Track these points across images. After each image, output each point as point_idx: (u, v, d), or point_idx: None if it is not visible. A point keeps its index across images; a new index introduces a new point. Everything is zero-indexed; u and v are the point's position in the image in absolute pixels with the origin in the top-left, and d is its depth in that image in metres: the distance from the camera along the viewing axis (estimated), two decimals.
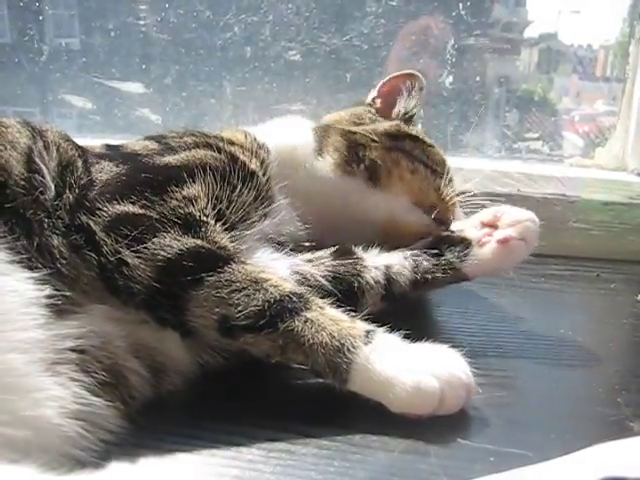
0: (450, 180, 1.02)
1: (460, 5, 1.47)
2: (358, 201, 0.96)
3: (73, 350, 0.66)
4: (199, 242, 0.72)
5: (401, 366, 0.67)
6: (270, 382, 0.77)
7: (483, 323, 0.99)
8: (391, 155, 0.98)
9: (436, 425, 0.69)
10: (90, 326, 0.69)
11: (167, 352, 0.74)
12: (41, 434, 0.59)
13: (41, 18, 1.63)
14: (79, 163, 0.79)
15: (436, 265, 0.91)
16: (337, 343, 0.67)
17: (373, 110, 1.09)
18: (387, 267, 0.91)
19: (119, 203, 0.74)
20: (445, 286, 0.94)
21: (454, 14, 1.49)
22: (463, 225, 0.96)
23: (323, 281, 0.87)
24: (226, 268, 0.70)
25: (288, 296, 0.70)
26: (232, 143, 0.91)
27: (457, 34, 1.50)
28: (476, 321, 1.00)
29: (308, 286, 0.84)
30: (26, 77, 1.60)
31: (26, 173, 0.73)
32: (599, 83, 1.71)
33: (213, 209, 0.78)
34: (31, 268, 0.67)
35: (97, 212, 0.73)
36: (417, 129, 1.08)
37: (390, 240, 0.95)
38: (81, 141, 0.88)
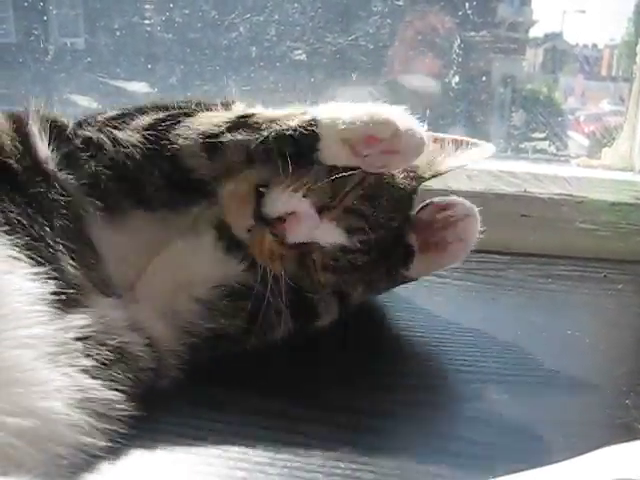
0: None
1: (466, 4, 1.46)
2: None
3: (78, 339, 0.67)
4: (173, 110, 0.82)
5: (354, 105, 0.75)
6: (277, 384, 0.77)
7: (489, 324, 0.99)
8: None
9: (443, 427, 0.69)
10: (96, 316, 0.70)
11: (157, 331, 0.76)
12: (49, 424, 0.60)
13: (46, 18, 1.63)
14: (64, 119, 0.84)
15: (385, 277, 0.90)
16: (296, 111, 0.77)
17: None
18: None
19: (104, 114, 0.84)
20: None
21: (460, 13, 1.48)
22: (406, 228, 0.89)
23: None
24: (196, 113, 0.80)
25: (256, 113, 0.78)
26: None
27: (463, 33, 1.49)
28: (482, 322, 0.99)
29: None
30: (31, 77, 1.60)
31: (17, 142, 0.76)
32: (604, 83, 1.71)
33: None
34: (35, 263, 0.67)
35: (89, 124, 0.82)
36: None
37: None
38: None
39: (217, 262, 0.83)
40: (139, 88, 1.59)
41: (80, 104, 1.64)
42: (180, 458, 0.64)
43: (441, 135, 0.92)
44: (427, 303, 1.02)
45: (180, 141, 0.76)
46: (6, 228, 0.68)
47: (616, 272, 1.20)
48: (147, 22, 1.55)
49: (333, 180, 0.77)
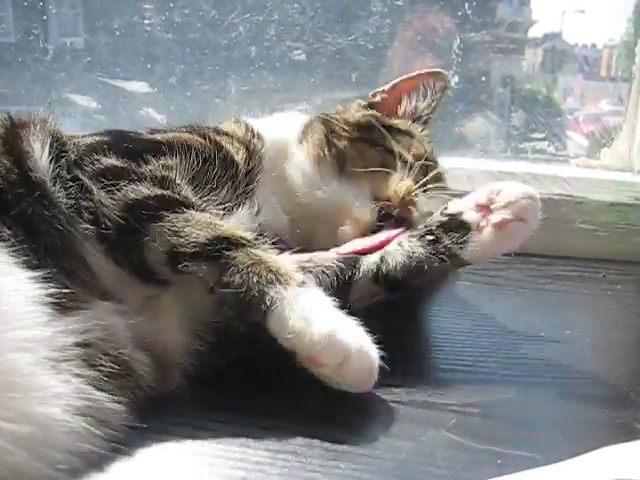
0: (422, 173, 0.99)
1: (466, 5, 1.46)
2: (322, 186, 0.97)
3: (78, 345, 0.66)
4: (167, 192, 0.77)
5: (325, 314, 0.68)
6: (277, 384, 0.77)
7: (488, 324, 0.99)
8: (357, 145, 0.99)
9: (442, 427, 0.69)
10: (94, 320, 0.69)
11: (166, 341, 0.75)
12: (47, 430, 0.59)
13: (45, 17, 1.63)
14: (64, 140, 0.82)
15: (433, 254, 0.86)
16: (272, 276, 0.69)
17: (364, 102, 1.08)
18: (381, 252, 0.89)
19: (104, 157, 0.80)
20: (444, 274, 0.91)
21: (460, 14, 1.48)
22: (460, 206, 0.89)
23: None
24: (186, 210, 0.75)
25: (239, 236, 0.73)
26: (224, 133, 0.95)
27: (463, 34, 1.49)
28: (481, 322, 1.00)
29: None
30: (31, 76, 1.60)
31: (12, 157, 0.75)
32: (603, 83, 1.71)
33: (188, 180, 0.83)
34: (32, 267, 0.67)
35: (83, 167, 0.78)
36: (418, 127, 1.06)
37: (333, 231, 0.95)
38: None
39: None
40: (139, 88, 1.59)
41: (79, 104, 1.64)
42: (180, 458, 0.64)
43: None
44: (426, 303, 1.02)
45: (151, 244, 0.73)
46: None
47: (615, 272, 1.20)
48: (147, 22, 1.56)
49: None
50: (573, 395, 0.80)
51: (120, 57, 1.59)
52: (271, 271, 0.70)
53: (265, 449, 0.65)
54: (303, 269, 0.84)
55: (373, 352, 0.68)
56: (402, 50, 1.50)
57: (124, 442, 0.63)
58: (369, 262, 0.89)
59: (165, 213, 0.73)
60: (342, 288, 0.87)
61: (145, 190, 0.76)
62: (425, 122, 1.08)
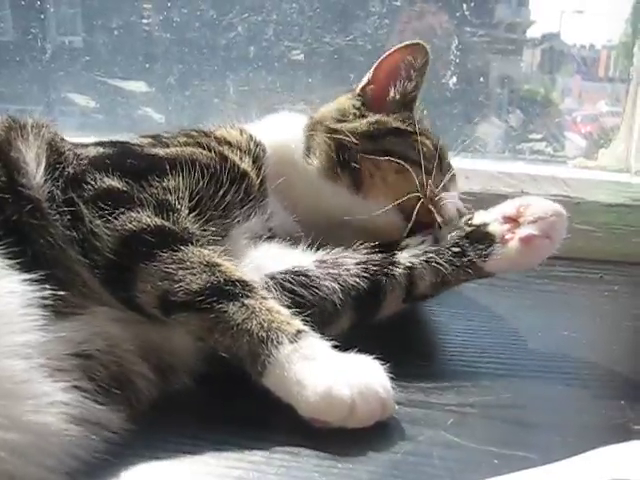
0: (443, 171, 0.98)
1: (464, 5, 1.47)
2: (343, 206, 0.93)
3: (78, 355, 0.66)
4: (166, 223, 0.73)
5: (318, 371, 0.65)
6: None
7: (486, 324, 0.99)
8: (370, 158, 0.94)
9: (439, 427, 0.69)
10: (94, 328, 0.69)
11: (175, 350, 0.74)
12: (43, 439, 0.58)
13: (44, 16, 1.63)
14: (63, 151, 0.79)
15: (458, 266, 0.86)
16: (263, 334, 0.66)
17: (359, 103, 1.02)
18: (409, 269, 0.87)
19: (105, 177, 0.76)
20: (464, 282, 0.91)
21: (458, 14, 1.48)
22: (486, 217, 0.90)
23: (352, 277, 0.86)
24: (182, 248, 0.71)
25: (232, 282, 0.69)
26: (226, 142, 0.91)
27: (461, 34, 1.49)
28: (479, 322, 1.00)
29: (335, 280, 0.84)
30: (29, 75, 1.60)
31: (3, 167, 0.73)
32: (601, 83, 1.71)
33: (192, 202, 0.79)
34: (26, 270, 0.66)
35: (82, 186, 0.75)
36: (408, 115, 1.01)
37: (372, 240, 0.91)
38: (84, 140, 0.88)
39: None
40: (137, 87, 1.59)
41: (78, 103, 1.64)
42: (177, 458, 0.64)
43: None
44: (425, 304, 1.02)
45: (141, 285, 0.69)
46: None
47: (612, 273, 1.20)
48: (145, 21, 1.56)
49: None
50: (570, 396, 0.80)
51: (119, 56, 1.59)
52: (262, 328, 0.66)
53: (262, 449, 0.65)
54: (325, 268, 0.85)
55: (379, 384, 0.66)
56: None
57: (120, 442, 0.63)
58: (395, 283, 0.87)
59: (160, 252, 0.70)
60: (371, 311, 0.87)
61: (145, 218, 0.72)
62: (413, 103, 1.03)
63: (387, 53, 1.01)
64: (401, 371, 0.74)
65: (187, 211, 0.77)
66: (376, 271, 0.87)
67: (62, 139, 0.83)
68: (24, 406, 0.58)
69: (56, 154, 0.78)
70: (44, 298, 0.65)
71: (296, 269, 0.85)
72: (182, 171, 0.80)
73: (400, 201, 0.91)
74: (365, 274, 0.86)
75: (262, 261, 0.85)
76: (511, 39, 1.70)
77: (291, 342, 0.66)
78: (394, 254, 0.89)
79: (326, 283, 0.84)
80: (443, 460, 0.65)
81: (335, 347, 0.69)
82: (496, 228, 0.88)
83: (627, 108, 1.39)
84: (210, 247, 0.74)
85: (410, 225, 0.92)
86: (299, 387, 0.64)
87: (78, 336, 0.67)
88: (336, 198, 0.94)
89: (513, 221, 0.87)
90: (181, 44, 1.56)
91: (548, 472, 0.60)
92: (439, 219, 0.92)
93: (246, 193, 0.86)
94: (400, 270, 0.87)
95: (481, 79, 1.60)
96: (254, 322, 0.67)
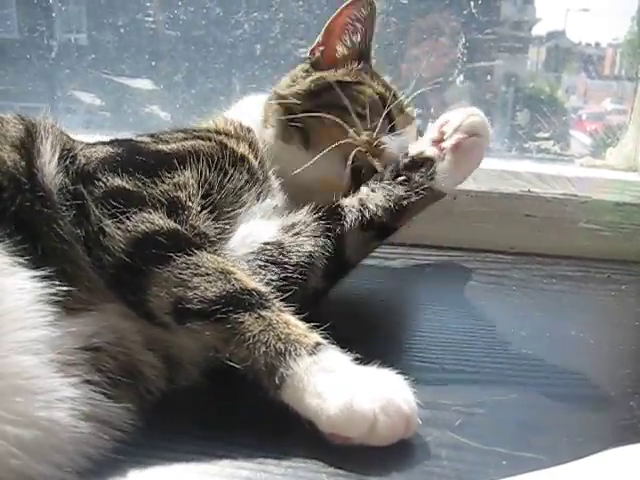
0: (392, 118, 1.01)
1: (471, 3, 1.46)
2: (300, 166, 0.95)
3: (87, 349, 0.66)
4: (179, 227, 0.74)
5: (338, 384, 0.63)
6: None
7: (493, 324, 0.99)
8: (314, 114, 0.98)
9: (447, 428, 0.69)
10: (104, 322, 0.69)
11: (181, 344, 0.73)
12: (52, 435, 0.58)
13: (50, 14, 1.63)
14: (74, 146, 0.81)
15: (408, 190, 0.91)
16: (281, 346, 0.65)
17: (307, 65, 1.07)
18: (360, 200, 0.90)
19: (116, 177, 0.77)
20: (424, 208, 0.94)
21: (465, 12, 1.48)
22: (419, 147, 0.95)
23: (310, 244, 0.86)
24: (197, 253, 0.70)
25: (248, 291, 0.69)
26: (218, 132, 0.94)
27: (468, 32, 1.49)
28: (486, 322, 1.00)
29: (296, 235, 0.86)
30: (35, 73, 1.60)
31: (20, 164, 0.73)
32: (607, 81, 1.70)
33: (202, 194, 0.80)
34: (34, 267, 0.66)
35: (93, 183, 0.75)
36: (362, 67, 1.05)
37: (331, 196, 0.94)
38: (90, 138, 0.89)
39: None
40: (143, 85, 1.59)
41: (84, 101, 1.64)
42: (184, 458, 0.64)
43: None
44: (430, 302, 1.02)
45: (154, 290, 0.69)
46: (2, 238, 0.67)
47: (620, 272, 1.20)
48: (151, 19, 1.55)
49: None
50: (578, 396, 0.80)
51: (125, 54, 1.59)
52: (280, 340, 0.65)
53: (269, 449, 0.65)
54: (291, 233, 0.86)
55: (403, 400, 0.64)
56: (407, 48, 1.50)
57: (128, 441, 0.64)
58: (351, 212, 0.89)
59: (174, 256, 0.69)
60: (335, 244, 0.87)
61: (158, 220, 0.72)
62: (367, 53, 1.08)
63: (334, 15, 1.06)
64: (407, 372, 0.74)
65: (199, 208, 0.78)
66: (327, 224, 0.88)
67: (69, 137, 0.84)
68: (34, 402, 0.58)
69: (68, 148, 0.79)
70: (54, 294, 0.65)
71: (267, 244, 0.85)
72: (189, 164, 0.81)
73: (330, 148, 0.94)
74: (320, 231, 0.87)
75: (247, 231, 0.85)
76: (517, 37, 1.70)
77: (310, 354, 0.65)
78: (337, 202, 0.91)
79: (291, 245, 0.85)
80: (451, 461, 0.64)
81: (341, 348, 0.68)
82: (430, 151, 0.94)
83: (635, 107, 1.38)
84: (222, 244, 0.76)
85: (347, 170, 0.95)
86: (319, 400, 0.63)
87: (88, 330, 0.67)
88: (292, 158, 0.97)
89: (441, 141, 0.94)
90: (187, 42, 1.56)
91: (557, 474, 0.60)
92: (376, 163, 0.95)
93: (250, 175, 0.88)
94: (347, 209, 0.89)
95: (488, 77, 1.59)
96: (271, 334, 0.65)
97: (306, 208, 0.90)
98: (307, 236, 0.86)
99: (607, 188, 1.29)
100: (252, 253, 0.82)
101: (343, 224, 0.88)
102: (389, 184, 0.91)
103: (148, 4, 1.55)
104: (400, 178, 0.92)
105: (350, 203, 0.90)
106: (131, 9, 1.57)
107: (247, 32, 1.49)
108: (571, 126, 1.68)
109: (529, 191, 1.27)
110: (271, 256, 0.83)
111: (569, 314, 1.05)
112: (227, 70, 1.55)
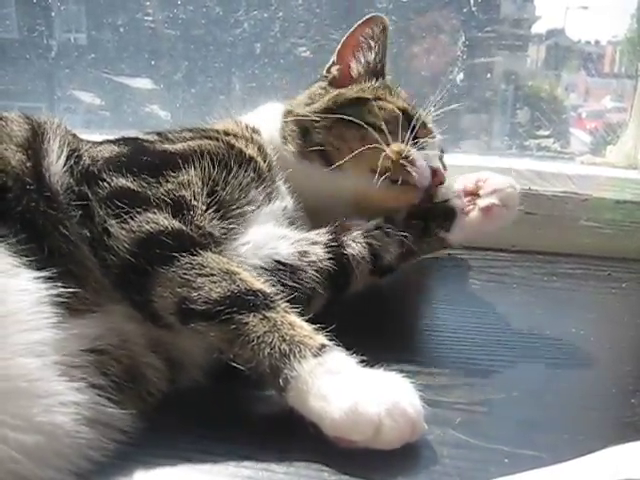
0: (413, 132, 0.98)
1: (471, 1, 1.46)
2: (323, 184, 0.96)
3: (92, 351, 0.66)
4: (184, 227, 0.73)
5: (343, 387, 0.63)
6: None
7: (494, 322, 0.99)
8: (333, 131, 0.97)
9: (448, 426, 0.69)
10: (109, 324, 0.69)
11: (184, 346, 0.74)
12: (55, 440, 0.58)
13: (49, 14, 1.63)
14: (80, 146, 0.80)
15: (422, 237, 0.92)
16: (286, 347, 0.64)
17: (325, 83, 1.06)
18: (369, 244, 0.90)
19: (120, 177, 0.76)
20: (428, 254, 0.96)
21: (465, 10, 1.48)
22: (447, 193, 0.96)
23: (323, 262, 0.86)
24: (202, 253, 0.70)
25: (253, 292, 0.68)
26: (227, 134, 0.93)
27: (468, 31, 1.49)
28: (487, 320, 1.00)
29: (310, 264, 0.85)
30: (35, 73, 1.60)
31: (25, 164, 0.73)
32: (607, 79, 1.70)
33: (207, 192, 0.80)
34: (39, 268, 0.66)
35: (98, 184, 0.75)
36: (379, 84, 1.05)
37: (371, 213, 0.94)
38: (89, 137, 0.88)
39: None
40: (143, 84, 1.59)
41: (83, 100, 1.64)
42: (187, 457, 0.64)
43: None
44: (432, 300, 1.02)
45: (159, 290, 0.69)
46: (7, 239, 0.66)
47: (620, 270, 1.20)
48: (151, 18, 1.55)
49: None
50: (579, 394, 0.80)
51: (124, 54, 1.59)
52: (285, 341, 0.65)
53: (271, 448, 0.65)
54: (307, 261, 0.85)
55: (409, 403, 0.63)
56: (407, 47, 1.50)
57: (131, 441, 0.64)
58: (359, 255, 0.89)
59: (179, 256, 0.69)
60: (342, 283, 0.88)
61: (163, 220, 0.72)
62: (382, 70, 1.06)
63: (347, 34, 1.06)
64: (408, 369, 0.74)
65: (204, 207, 0.78)
66: (337, 251, 0.88)
67: (75, 136, 0.84)
68: (37, 406, 0.58)
69: (74, 148, 0.79)
70: (57, 296, 0.64)
71: (280, 263, 0.85)
72: (195, 164, 0.81)
73: (356, 153, 0.93)
74: (330, 255, 0.87)
75: (261, 241, 0.85)
76: (517, 35, 1.69)
77: (315, 356, 0.64)
78: (348, 234, 0.91)
79: (303, 271, 0.85)
80: (453, 459, 0.65)
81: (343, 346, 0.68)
82: (457, 202, 0.95)
83: (635, 104, 1.38)
84: (230, 242, 0.77)
85: (378, 178, 0.92)
86: (323, 402, 0.62)
87: (92, 332, 0.67)
88: (314, 177, 0.97)
89: (472, 194, 0.95)
90: (187, 41, 1.56)
91: (558, 472, 0.60)
92: (412, 170, 0.93)
93: (257, 174, 0.88)
94: (358, 247, 0.89)
95: (488, 75, 1.59)
96: (276, 335, 0.65)
97: (324, 236, 0.90)
98: (319, 270, 0.85)
99: (607, 186, 1.29)
100: (264, 269, 0.82)
101: (354, 271, 0.88)
102: (403, 231, 0.91)
103: (147, 3, 1.55)
104: (417, 222, 0.93)
105: (361, 251, 0.89)
106: (130, 8, 1.57)
107: (247, 31, 1.49)
108: (571, 124, 1.68)
109: (529, 189, 1.26)
110: (282, 277, 0.82)
111: (570, 312, 1.05)
112: (227, 69, 1.55)
